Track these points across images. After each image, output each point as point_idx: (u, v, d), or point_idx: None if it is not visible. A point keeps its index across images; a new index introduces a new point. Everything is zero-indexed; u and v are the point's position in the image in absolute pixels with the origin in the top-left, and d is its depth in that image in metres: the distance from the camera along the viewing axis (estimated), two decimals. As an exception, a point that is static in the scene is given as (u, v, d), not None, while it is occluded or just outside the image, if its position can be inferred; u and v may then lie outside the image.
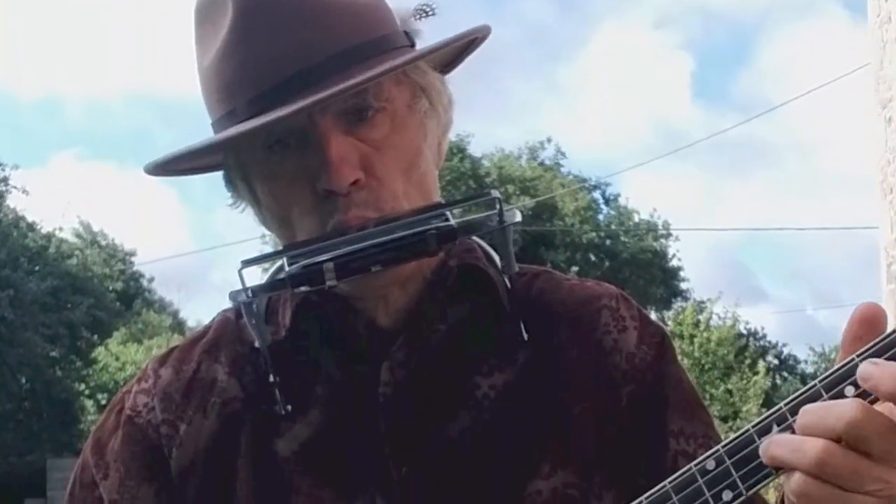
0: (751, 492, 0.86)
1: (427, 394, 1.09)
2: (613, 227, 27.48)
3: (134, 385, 1.16)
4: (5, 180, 22.03)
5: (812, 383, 0.86)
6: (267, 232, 1.17)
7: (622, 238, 27.32)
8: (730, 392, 23.13)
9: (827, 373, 0.86)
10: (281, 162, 1.06)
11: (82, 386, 23.73)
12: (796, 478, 0.83)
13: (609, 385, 1.11)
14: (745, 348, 24.96)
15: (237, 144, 1.07)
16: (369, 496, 1.05)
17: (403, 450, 1.07)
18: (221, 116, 1.06)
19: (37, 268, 22.13)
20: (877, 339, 0.84)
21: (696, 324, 24.14)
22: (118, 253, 30.60)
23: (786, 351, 28.46)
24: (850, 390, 0.84)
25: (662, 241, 27.81)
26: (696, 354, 23.22)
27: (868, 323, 0.86)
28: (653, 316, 1.21)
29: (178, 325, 31.24)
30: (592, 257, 26.47)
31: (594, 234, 26.54)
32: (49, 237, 23.75)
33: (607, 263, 26.45)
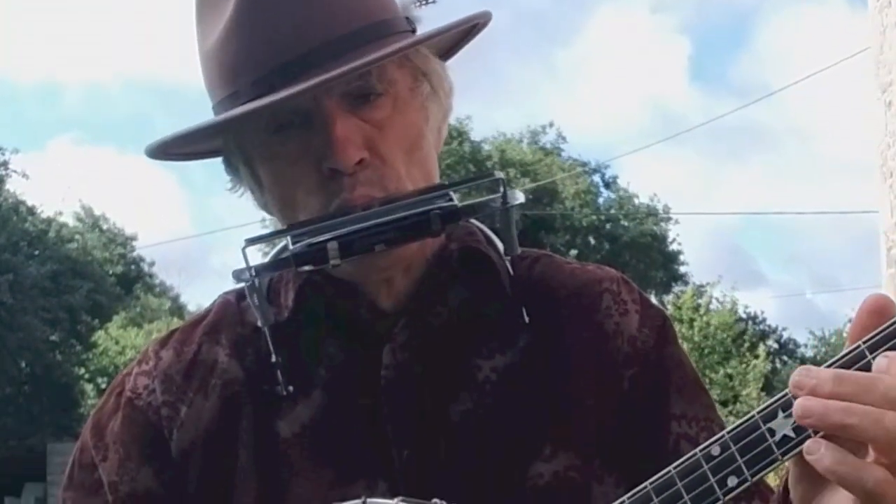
0: (756, 478, 0.86)
1: (429, 376, 1.09)
2: (613, 210, 27.45)
3: (134, 367, 1.16)
4: (5, 164, 22.04)
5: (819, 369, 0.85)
6: (267, 216, 1.17)
7: (622, 222, 27.29)
8: (729, 376, 23.14)
9: (833, 359, 0.85)
10: (284, 143, 1.06)
11: (82, 370, 23.72)
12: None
13: (611, 368, 1.11)
14: (745, 332, 24.94)
15: (240, 126, 1.07)
16: (371, 478, 1.06)
17: (405, 432, 1.07)
18: (223, 98, 1.06)
19: (36, 252, 22.13)
20: (883, 326, 0.85)
21: (696, 308, 24.12)
22: (118, 237, 30.50)
23: (785, 335, 28.46)
24: None
25: (662, 224, 27.79)
26: (696, 338, 23.19)
27: (877, 314, 0.86)
28: (653, 300, 1.21)
29: (178, 310, 31.17)
30: (592, 241, 26.45)
31: (594, 217, 26.51)
32: (49, 221, 23.76)
33: (607, 247, 26.43)
